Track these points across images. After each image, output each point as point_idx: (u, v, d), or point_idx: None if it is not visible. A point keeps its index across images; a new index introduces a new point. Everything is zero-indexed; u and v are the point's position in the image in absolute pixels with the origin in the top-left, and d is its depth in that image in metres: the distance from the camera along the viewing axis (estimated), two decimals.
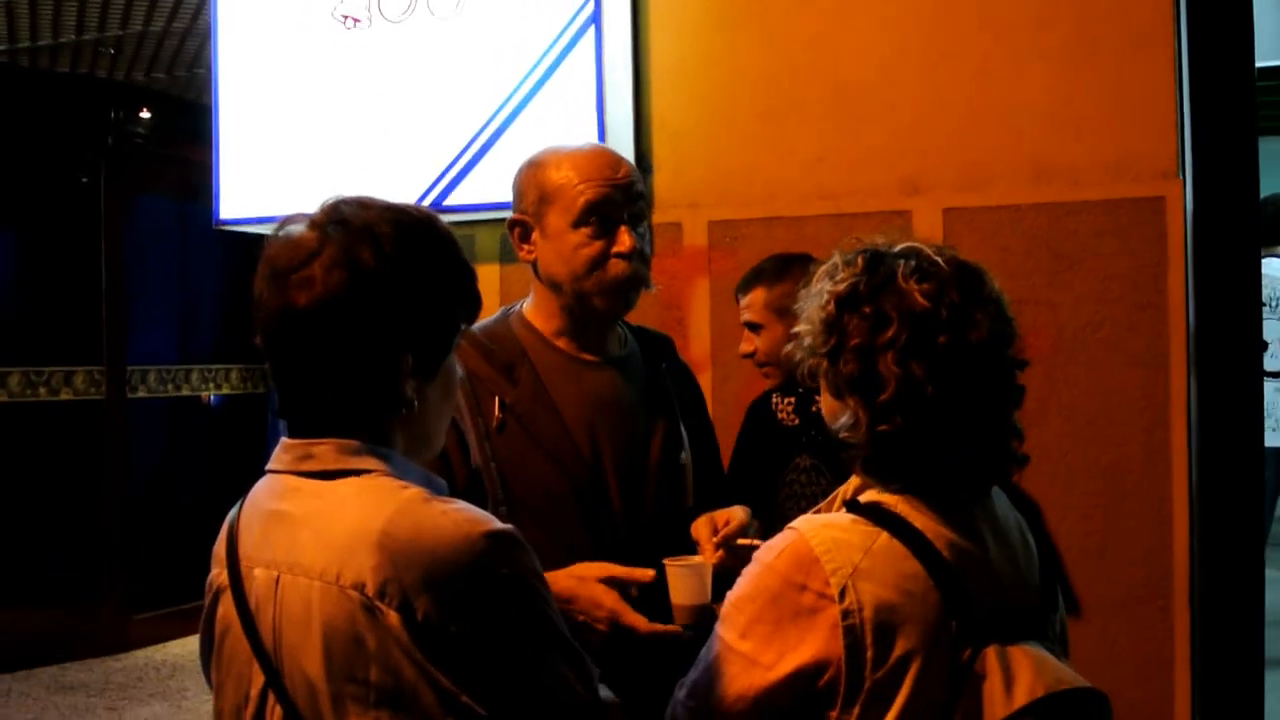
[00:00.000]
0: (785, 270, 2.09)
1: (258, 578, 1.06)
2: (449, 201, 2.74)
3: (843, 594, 1.06)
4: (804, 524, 1.12)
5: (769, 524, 1.95)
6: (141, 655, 4.96)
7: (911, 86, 2.52)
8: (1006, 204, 2.44)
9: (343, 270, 1.03)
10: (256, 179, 2.93)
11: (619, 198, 1.50)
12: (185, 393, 5.53)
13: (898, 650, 1.05)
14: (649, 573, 1.36)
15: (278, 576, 1.04)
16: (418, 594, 0.97)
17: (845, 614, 1.05)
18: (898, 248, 1.16)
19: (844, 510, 1.15)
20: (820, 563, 1.07)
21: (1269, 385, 3.99)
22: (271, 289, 1.05)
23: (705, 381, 2.24)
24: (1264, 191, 2.58)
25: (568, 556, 1.39)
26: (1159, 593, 2.33)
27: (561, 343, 1.55)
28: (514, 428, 1.47)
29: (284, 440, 1.10)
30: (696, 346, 2.62)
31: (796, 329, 1.18)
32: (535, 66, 2.70)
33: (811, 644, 1.06)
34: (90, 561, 5.04)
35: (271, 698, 1.03)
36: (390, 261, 1.04)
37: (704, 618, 1.33)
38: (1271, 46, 3.23)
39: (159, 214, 5.42)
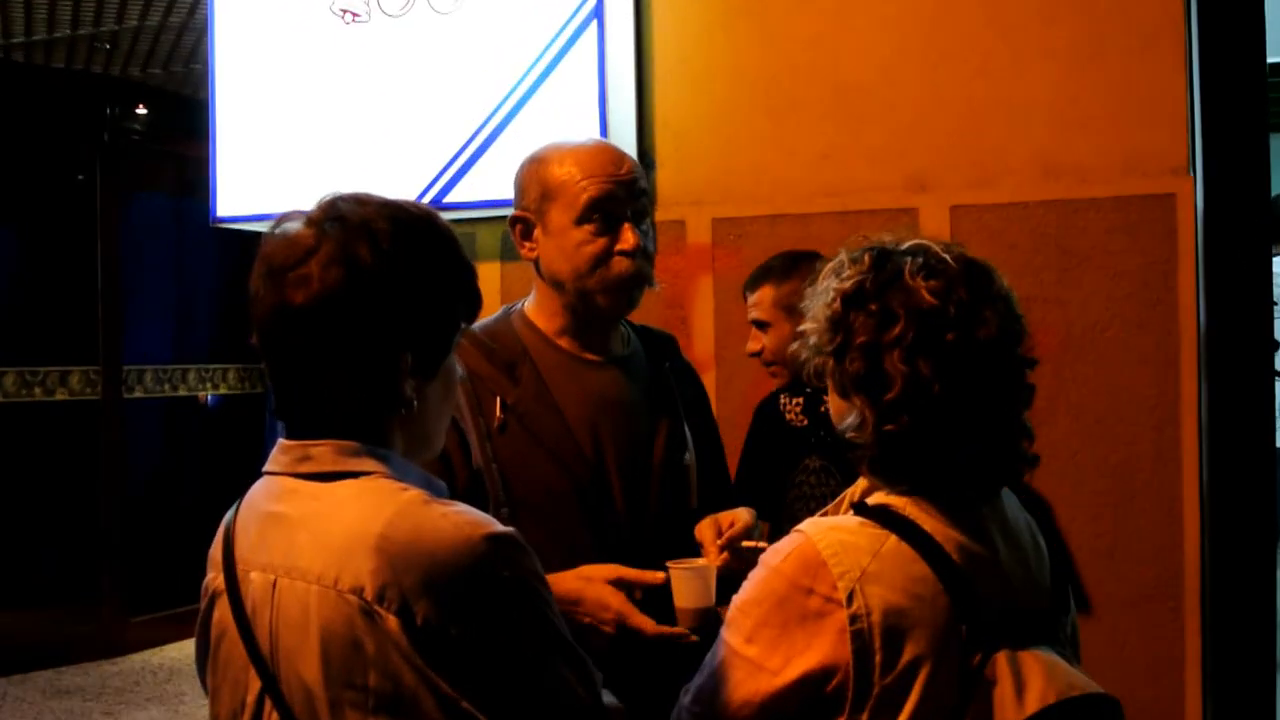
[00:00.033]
0: (793, 267, 2.08)
1: (254, 581, 1.04)
2: (449, 199, 2.73)
3: (850, 598, 1.04)
4: (811, 527, 1.11)
5: (778, 526, 1.94)
6: (138, 659, 4.96)
7: (916, 83, 2.52)
8: (1014, 201, 2.43)
9: (340, 268, 1.01)
10: (254, 176, 2.92)
11: (622, 194, 1.49)
12: (182, 393, 5.53)
13: (907, 655, 1.04)
14: (659, 575, 1.35)
15: (275, 580, 1.02)
16: (417, 598, 0.96)
17: (853, 618, 1.04)
18: (905, 245, 1.15)
19: (851, 513, 1.13)
20: (827, 566, 1.06)
21: None
22: (268, 287, 1.04)
23: (709, 381, 2.24)
24: (1276, 189, 2.57)
25: (570, 558, 1.38)
26: (1169, 592, 2.33)
27: (564, 342, 1.54)
28: (516, 428, 1.46)
29: (281, 441, 1.08)
30: (700, 345, 2.61)
31: (802, 327, 1.17)
32: (536, 62, 2.69)
33: (819, 649, 1.05)
34: (87, 564, 5.04)
35: (268, 704, 1.02)
36: (388, 259, 1.03)
37: (708, 621, 1.33)
38: None
39: (155, 211, 5.41)
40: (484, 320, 1.53)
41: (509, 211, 1.56)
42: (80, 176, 5.07)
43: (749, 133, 2.62)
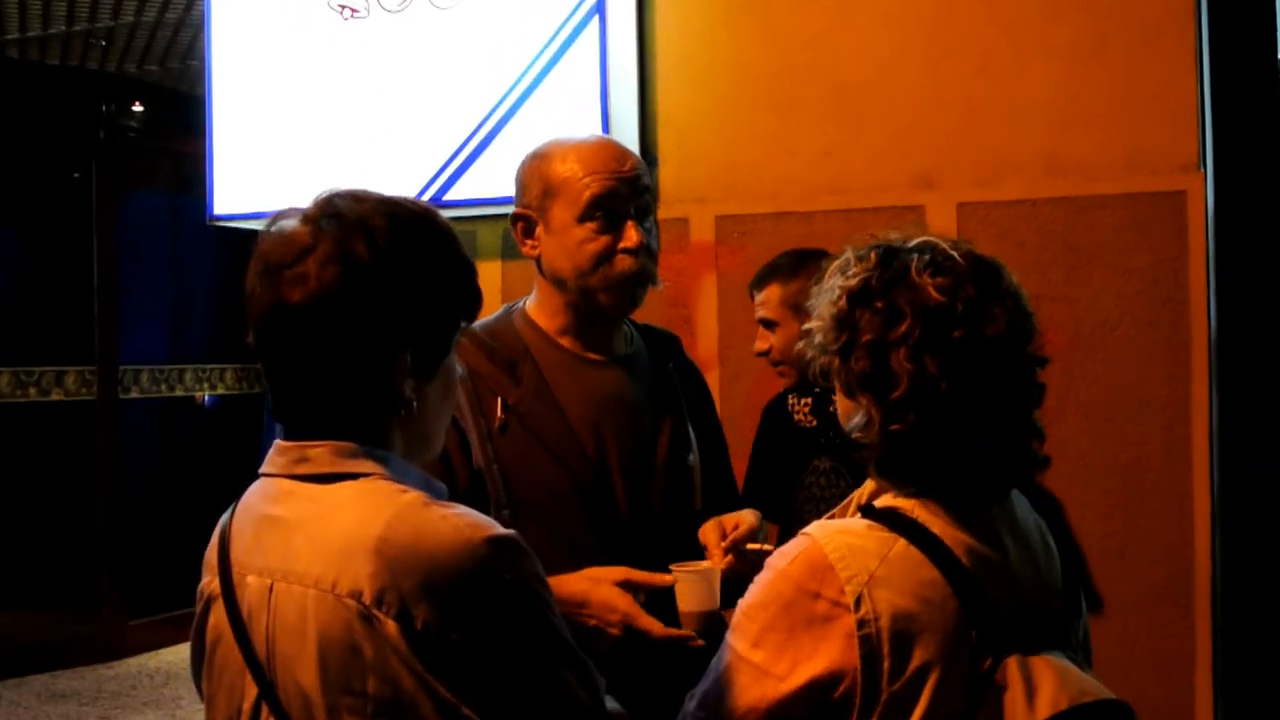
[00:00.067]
0: (801, 265, 2.06)
1: (250, 585, 1.03)
2: (449, 196, 2.72)
3: (858, 602, 1.03)
4: (817, 530, 1.09)
5: (788, 528, 1.93)
6: (135, 663, 4.95)
7: (920, 79, 2.52)
8: (1022, 198, 2.43)
9: (337, 266, 1.00)
10: (251, 173, 2.91)
11: (625, 191, 1.47)
12: (179, 393, 5.52)
13: (915, 660, 1.03)
14: (668, 577, 1.34)
15: (271, 584, 1.01)
16: (417, 602, 0.95)
17: (861, 623, 1.03)
18: (912, 242, 1.14)
19: (859, 515, 1.12)
20: (835, 570, 1.05)
21: None
22: (264, 285, 1.02)
23: (713, 381, 2.23)
24: None
25: (572, 560, 1.37)
26: (1179, 592, 2.33)
27: (566, 341, 1.53)
28: (517, 428, 1.45)
29: (278, 442, 1.07)
30: (704, 345, 2.60)
31: (807, 325, 1.16)
32: (537, 58, 2.67)
33: (826, 654, 1.04)
34: (82, 566, 5.03)
35: (265, 710, 1.01)
36: (386, 256, 1.02)
37: (712, 625, 1.32)
38: None
39: (152, 210, 5.41)
40: (485, 319, 1.52)
41: (510, 209, 1.55)
42: (76, 174, 5.06)
43: (752, 130, 2.61)
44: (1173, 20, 2.34)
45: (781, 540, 1.22)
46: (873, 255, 1.12)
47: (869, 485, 1.17)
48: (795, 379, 2.12)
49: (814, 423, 2.12)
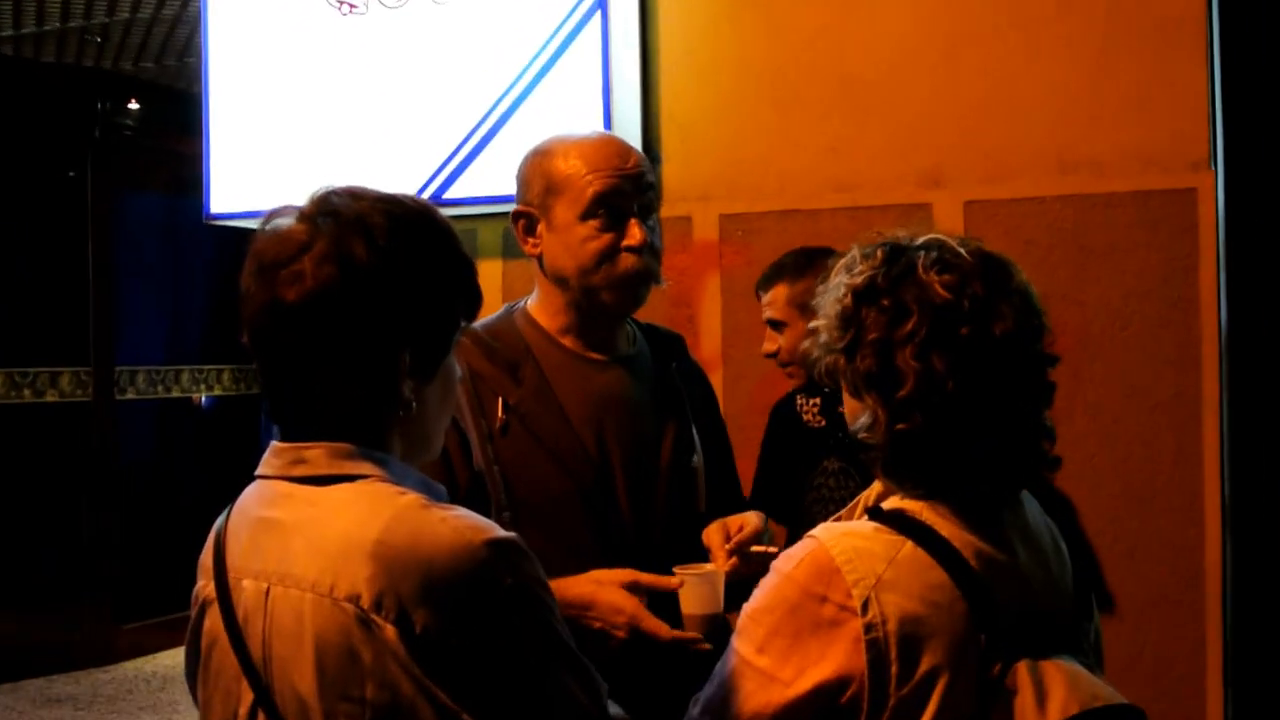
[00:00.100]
0: (808, 265, 2.05)
1: (246, 589, 1.02)
2: (449, 194, 2.71)
3: (865, 606, 1.02)
4: (824, 532, 1.08)
5: (796, 530, 1.91)
6: (131, 667, 4.94)
7: (927, 74, 2.50)
8: (1031, 196, 2.42)
9: (334, 264, 0.99)
10: (249, 171, 2.90)
11: (629, 188, 1.46)
12: (175, 394, 5.52)
13: (924, 665, 1.01)
14: (675, 580, 1.33)
15: (268, 588, 1.00)
16: (416, 606, 0.94)
17: (868, 627, 1.01)
18: (920, 240, 1.12)
19: (866, 518, 1.11)
20: (841, 573, 1.03)
21: None
22: (259, 284, 1.01)
23: (717, 381, 2.22)
24: None
25: (574, 563, 1.36)
26: (1190, 594, 2.32)
27: (568, 341, 1.51)
28: (518, 429, 1.44)
29: (274, 444, 1.06)
30: (707, 345, 2.59)
31: (813, 324, 1.15)
32: (539, 54, 2.66)
33: (833, 659, 1.02)
34: (78, 569, 5.02)
35: (261, 716, 1.00)
36: (384, 254, 1.00)
37: (716, 628, 1.31)
38: None
39: (148, 209, 5.40)
40: (485, 319, 1.51)
41: (510, 207, 1.54)
42: (71, 173, 5.06)
43: (756, 126, 2.60)
44: (1184, 17, 2.32)
45: (790, 542, 1.21)
46: (879, 253, 1.11)
47: (876, 487, 1.16)
48: (805, 380, 2.10)
49: (823, 423, 2.11)
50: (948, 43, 2.48)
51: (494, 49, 2.68)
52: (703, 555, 1.43)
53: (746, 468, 2.20)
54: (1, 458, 4.87)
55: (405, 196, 1.07)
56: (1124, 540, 2.34)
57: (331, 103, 2.81)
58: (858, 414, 1.11)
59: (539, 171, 1.48)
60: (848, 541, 1.05)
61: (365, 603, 0.94)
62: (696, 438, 1.56)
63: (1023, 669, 1.02)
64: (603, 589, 1.32)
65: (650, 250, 1.47)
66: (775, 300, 2.11)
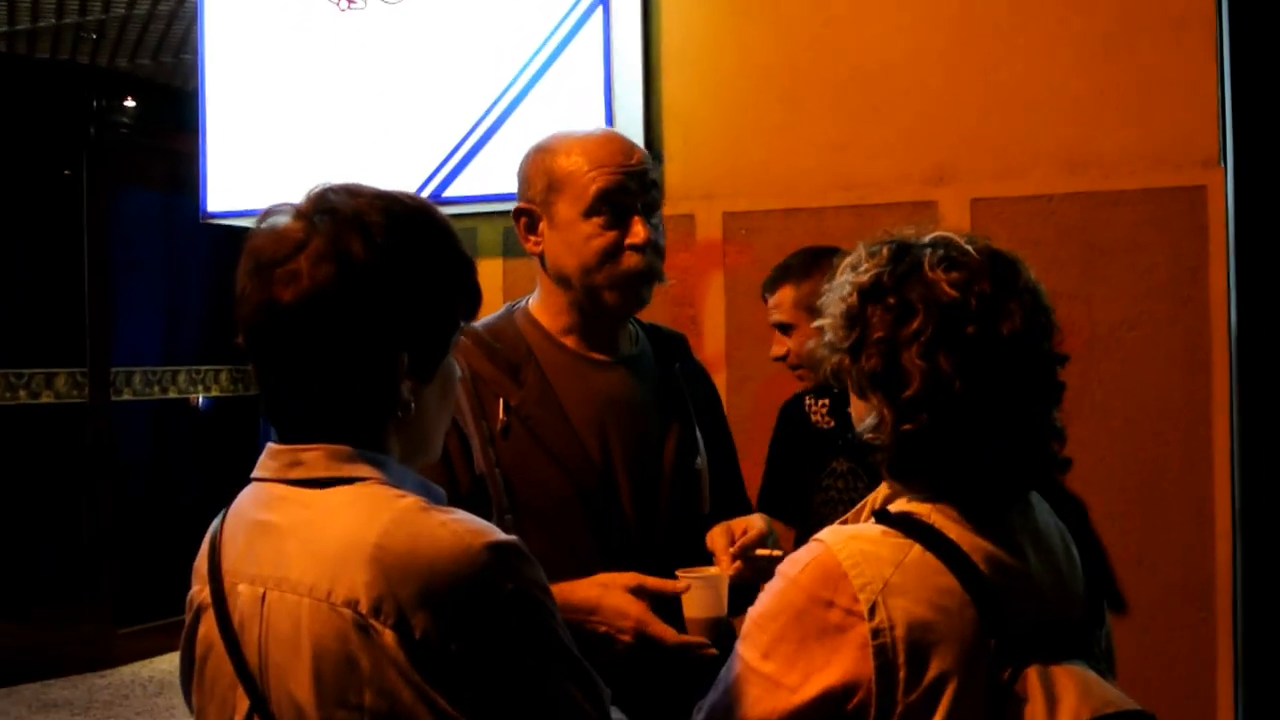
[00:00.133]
0: (813, 265, 2.03)
1: (242, 594, 1.01)
2: (449, 193, 2.70)
3: (873, 611, 1.01)
4: (830, 536, 1.07)
5: (805, 531, 1.89)
6: (128, 671, 4.92)
7: (934, 71, 2.49)
8: (1038, 194, 2.41)
9: (331, 263, 0.98)
10: (246, 170, 2.89)
11: (632, 186, 1.45)
12: (172, 395, 5.50)
13: (932, 671, 1.00)
14: (681, 584, 1.32)
15: (264, 593, 0.99)
16: (415, 611, 0.92)
17: (875, 632, 1.00)
18: (926, 238, 1.11)
19: (873, 521, 1.09)
20: (848, 577, 1.02)
21: None
22: (255, 284, 1.00)
23: (720, 382, 2.21)
24: None
25: (576, 566, 1.34)
26: (1200, 595, 2.31)
27: (570, 341, 1.50)
28: (519, 431, 1.43)
29: (270, 446, 1.05)
30: (711, 345, 2.58)
31: (818, 323, 1.14)
32: (540, 50, 2.65)
33: (839, 664, 1.01)
34: (74, 573, 5.00)
35: None
36: (382, 253, 0.99)
37: (719, 632, 1.30)
38: None
39: (144, 207, 5.39)
40: (486, 318, 1.50)
41: (511, 206, 1.53)
42: (66, 171, 5.04)
43: (760, 124, 2.59)
44: (1194, 14, 2.31)
45: (798, 543, 1.20)
46: (885, 251, 1.10)
47: (883, 489, 1.15)
48: (815, 382, 2.09)
49: (832, 424, 2.10)
50: (954, 38, 2.47)
51: (495, 45, 2.67)
52: (706, 558, 1.42)
53: (750, 468, 2.19)
54: None
55: (403, 194, 1.06)
56: (1133, 542, 2.33)
57: (330, 100, 2.80)
58: (864, 414, 1.10)
59: (541, 168, 1.47)
60: (854, 545, 1.04)
61: (364, 608, 0.92)
62: (700, 439, 1.55)
63: (1033, 675, 1.01)
64: (608, 593, 1.31)
65: (654, 249, 1.46)
66: (782, 302, 2.10)
